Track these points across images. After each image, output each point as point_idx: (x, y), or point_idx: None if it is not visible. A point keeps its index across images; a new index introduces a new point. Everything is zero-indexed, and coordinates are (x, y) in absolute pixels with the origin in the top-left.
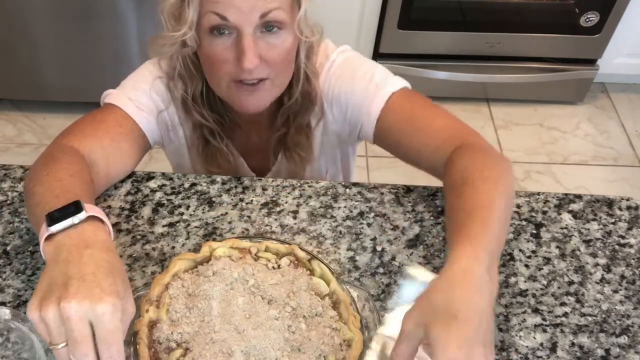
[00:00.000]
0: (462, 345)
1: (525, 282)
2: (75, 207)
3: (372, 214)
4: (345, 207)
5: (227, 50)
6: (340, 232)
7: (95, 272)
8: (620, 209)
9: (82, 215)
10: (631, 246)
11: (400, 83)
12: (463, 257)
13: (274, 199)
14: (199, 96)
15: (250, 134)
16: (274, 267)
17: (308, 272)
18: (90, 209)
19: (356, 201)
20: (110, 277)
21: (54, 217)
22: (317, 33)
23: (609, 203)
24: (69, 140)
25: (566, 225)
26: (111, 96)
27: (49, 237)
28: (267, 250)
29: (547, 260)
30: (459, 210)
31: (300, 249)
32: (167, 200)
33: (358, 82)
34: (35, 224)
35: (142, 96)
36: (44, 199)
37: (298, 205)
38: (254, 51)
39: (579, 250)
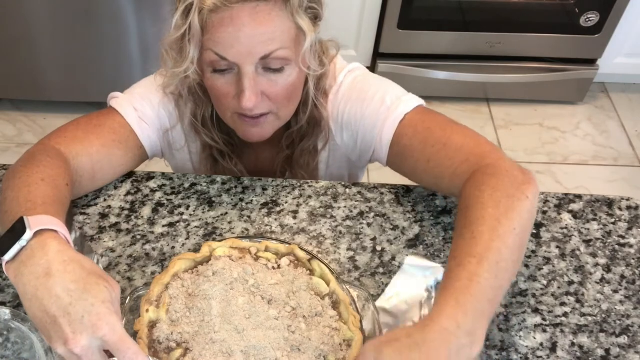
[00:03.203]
0: None
1: (525, 282)
2: (21, 227)
3: (372, 214)
4: (345, 207)
5: (228, 85)
6: (340, 232)
7: (72, 301)
8: (620, 209)
9: (27, 236)
10: (631, 246)
11: (412, 102)
12: (443, 316)
13: (274, 199)
14: (208, 118)
15: (258, 154)
16: (273, 267)
17: (308, 272)
18: (35, 224)
19: (356, 201)
20: (86, 295)
21: (3, 244)
22: (334, 52)
23: (609, 203)
24: (57, 143)
25: (566, 225)
26: (116, 100)
27: (7, 262)
28: (267, 250)
29: (547, 260)
30: (453, 258)
31: (300, 248)
32: (167, 200)
33: (368, 106)
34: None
35: (149, 109)
36: (11, 207)
37: (298, 205)
38: (254, 90)
39: (579, 250)
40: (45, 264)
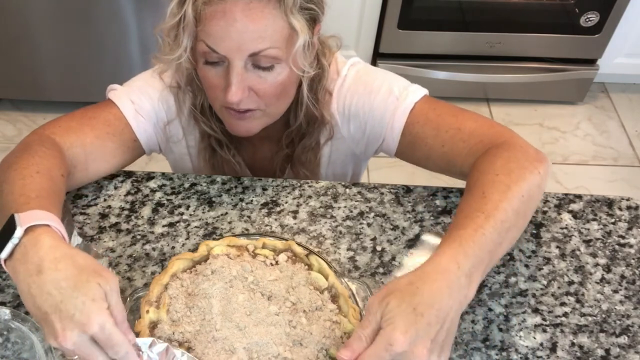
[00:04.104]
0: (408, 333)
1: (525, 282)
2: (13, 224)
3: (372, 214)
4: (345, 207)
5: (218, 77)
6: (340, 232)
7: (62, 298)
8: (620, 209)
9: (18, 234)
10: (631, 246)
11: (419, 92)
12: (445, 257)
13: (274, 199)
14: (207, 107)
15: (258, 147)
16: (272, 264)
17: (306, 267)
18: (26, 220)
19: (356, 201)
20: (76, 293)
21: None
22: (336, 48)
23: (609, 203)
24: (52, 132)
25: (566, 225)
26: (114, 93)
27: (4, 260)
28: (264, 247)
29: (547, 260)
30: (461, 211)
31: (297, 244)
32: (167, 200)
33: (375, 97)
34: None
35: (146, 102)
36: (6, 201)
37: (298, 205)
38: (240, 85)
39: (579, 250)
40: (38, 261)
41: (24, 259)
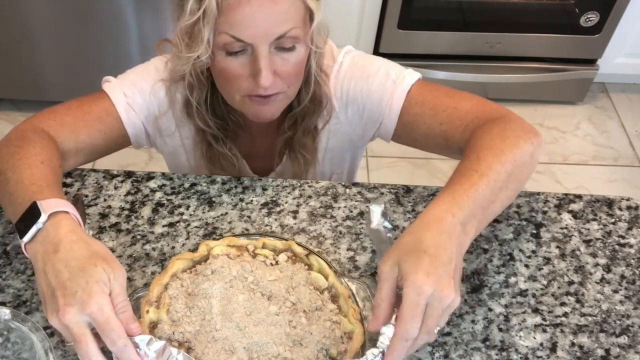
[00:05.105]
0: (431, 273)
1: (525, 282)
2: (36, 211)
3: None
4: (345, 207)
5: (242, 67)
6: (340, 232)
7: (70, 276)
8: (620, 209)
9: (43, 219)
10: (631, 246)
11: (415, 75)
12: (438, 207)
13: (274, 199)
14: (203, 102)
15: (256, 137)
16: (272, 264)
17: (306, 267)
18: (48, 207)
19: (356, 201)
20: (82, 273)
21: (21, 227)
22: (324, 35)
23: (609, 203)
24: (46, 125)
25: (566, 225)
26: (108, 84)
27: (25, 244)
28: (264, 247)
29: (547, 260)
30: (456, 172)
31: (297, 244)
32: (167, 200)
33: (373, 81)
34: (11, 214)
35: (139, 96)
36: (16, 189)
37: (298, 205)
38: (270, 69)
39: (579, 250)
40: (56, 242)
41: (45, 240)
